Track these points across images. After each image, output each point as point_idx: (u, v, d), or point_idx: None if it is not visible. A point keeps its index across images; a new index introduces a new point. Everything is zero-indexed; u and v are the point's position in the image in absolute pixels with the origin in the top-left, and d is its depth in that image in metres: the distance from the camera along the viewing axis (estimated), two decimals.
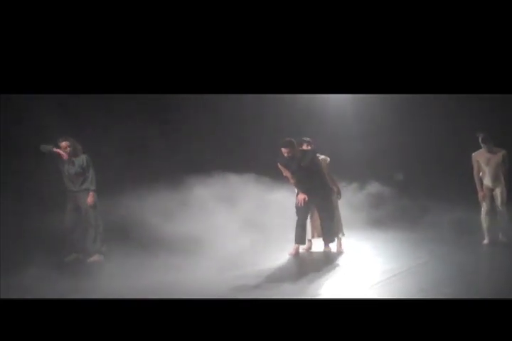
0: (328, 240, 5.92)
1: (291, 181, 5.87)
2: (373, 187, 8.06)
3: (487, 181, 6.09)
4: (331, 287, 4.15)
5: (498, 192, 6.06)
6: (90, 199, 5.77)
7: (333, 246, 5.95)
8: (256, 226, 6.20)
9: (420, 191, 8.15)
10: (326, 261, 5.41)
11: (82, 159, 5.84)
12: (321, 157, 6.05)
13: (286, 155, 5.59)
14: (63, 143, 5.78)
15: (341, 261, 5.41)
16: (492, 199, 6.12)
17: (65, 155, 5.75)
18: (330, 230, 5.88)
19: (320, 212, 5.92)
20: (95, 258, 5.70)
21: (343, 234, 6.09)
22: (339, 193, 6.12)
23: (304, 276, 4.63)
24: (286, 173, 5.83)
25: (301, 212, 5.85)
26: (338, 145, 8.99)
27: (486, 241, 6.06)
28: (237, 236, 5.95)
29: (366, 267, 4.94)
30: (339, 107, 9.15)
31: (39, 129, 6.31)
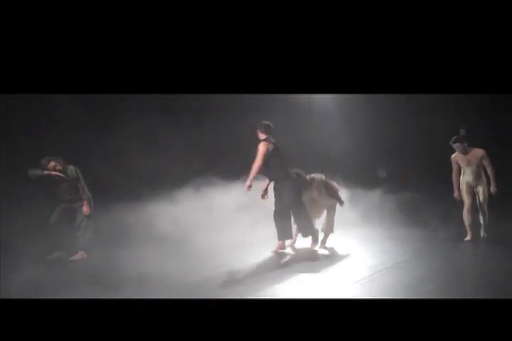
0: (303, 236, 5.97)
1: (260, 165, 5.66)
2: (358, 185, 8.12)
3: (468, 179, 6.20)
4: (316, 282, 4.20)
5: (480, 189, 6.18)
6: (86, 208, 5.83)
7: (316, 243, 5.96)
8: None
9: (404, 188, 8.23)
10: (311, 258, 5.45)
11: (72, 171, 5.85)
12: (316, 176, 6.11)
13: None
14: (51, 164, 5.75)
15: (326, 257, 5.47)
16: (474, 196, 6.25)
17: (60, 175, 5.76)
18: (304, 227, 5.90)
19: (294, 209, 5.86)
20: (78, 256, 5.73)
21: (332, 232, 6.18)
22: (341, 202, 6.19)
23: (287, 272, 4.67)
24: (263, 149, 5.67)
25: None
26: (324, 142, 9.14)
27: (468, 238, 6.19)
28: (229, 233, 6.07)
29: (351, 263, 5.02)
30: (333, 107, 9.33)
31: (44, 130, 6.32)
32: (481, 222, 6.27)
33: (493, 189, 6.08)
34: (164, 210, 6.29)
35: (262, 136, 5.81)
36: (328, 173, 6.58)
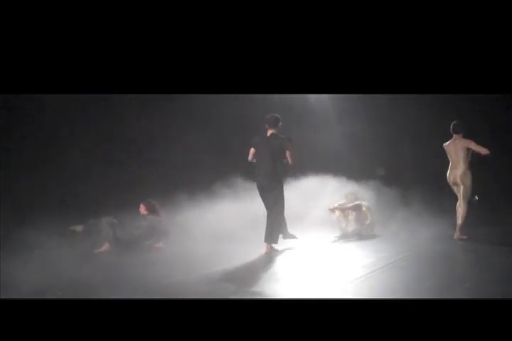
0: (268, 240, 5.37)
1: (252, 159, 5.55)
2: (353, 184, 8.12)
3: (453, 171, 6.09)
4: (313, 281, 4.16)
5: (463, 181, 6.01)
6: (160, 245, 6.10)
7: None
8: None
9: (399, 185, 8.24)
10: (307, 256, 5.43)
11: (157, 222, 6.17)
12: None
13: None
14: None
15: (322, 256, 5.42)
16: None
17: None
18: (272, 229, 5.36)
19: (268, 206, 5.48)
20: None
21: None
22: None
23: (282, 272, 4.66)
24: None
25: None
26: (322, 142, 9.18)
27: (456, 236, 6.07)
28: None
29: (347, 262, 5.00)
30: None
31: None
32: (459, 216, 6.06)
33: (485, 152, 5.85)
34: (199, 216, 6.41)
35: (269, 131, 5.42)
36: (325, 172, 6.61)
